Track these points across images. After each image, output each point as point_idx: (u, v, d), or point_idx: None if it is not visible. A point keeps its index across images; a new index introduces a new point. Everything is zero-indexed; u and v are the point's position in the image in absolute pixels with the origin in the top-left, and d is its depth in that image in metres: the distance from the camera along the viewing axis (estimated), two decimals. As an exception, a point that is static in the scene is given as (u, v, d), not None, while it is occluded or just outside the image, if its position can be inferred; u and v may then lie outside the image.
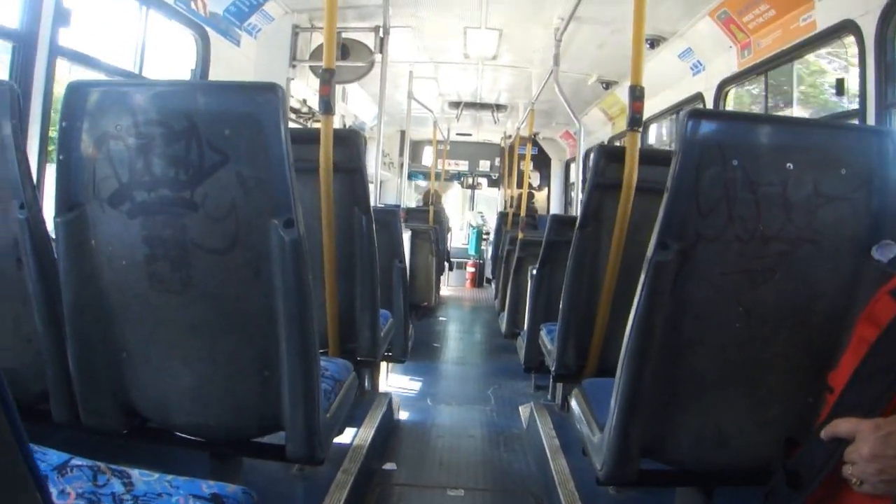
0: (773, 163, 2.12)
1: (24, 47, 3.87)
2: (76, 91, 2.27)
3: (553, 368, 4.18)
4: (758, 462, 2.30)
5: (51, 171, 3.72)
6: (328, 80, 3.47)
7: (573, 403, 3.03)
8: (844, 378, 1.74)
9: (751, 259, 2.15)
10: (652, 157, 3.58)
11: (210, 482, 1.89)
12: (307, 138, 3.57)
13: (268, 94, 2.14)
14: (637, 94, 3.53)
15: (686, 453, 2.40)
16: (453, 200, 18.46)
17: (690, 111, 2.14)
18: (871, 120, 4.21)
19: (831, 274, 2.21)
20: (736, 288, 2.18)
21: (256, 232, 2.19)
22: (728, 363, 2.27)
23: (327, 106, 3.46)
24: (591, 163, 3.83)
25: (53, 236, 2.42)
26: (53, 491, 1.77)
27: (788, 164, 2.11)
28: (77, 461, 1.90)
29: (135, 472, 1.89)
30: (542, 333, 4.85)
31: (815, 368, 2.26)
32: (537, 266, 5.20)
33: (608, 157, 3.73)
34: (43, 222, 2.53)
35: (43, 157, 3.95)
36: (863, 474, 1.54)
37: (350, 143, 3.84)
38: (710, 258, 2.15)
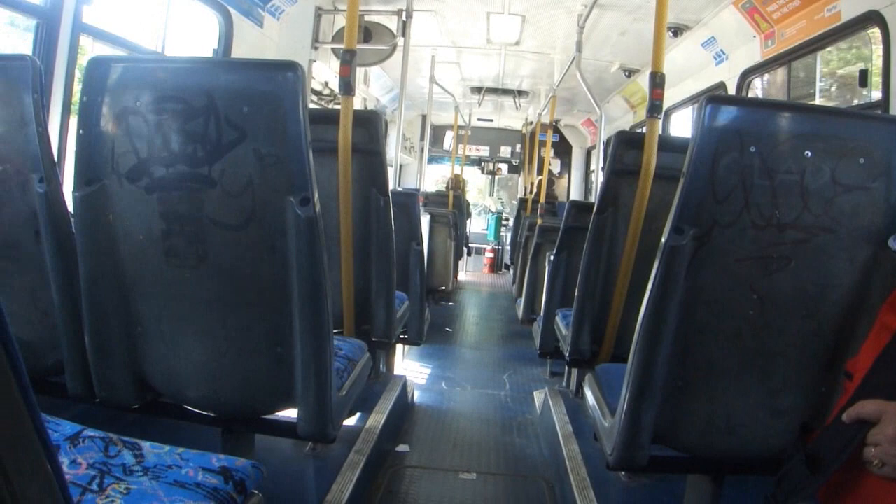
0: (791, 150, 2.10)
1: (47, 23, 3.89)
2: (97, 66, 2.28)
3: (567, 354, 4.19)
4: (768, 450, 2.30)
5: (73, 147, 3.77)
6: (349, 60, 3.47)
7: (586, 388, 3.04)
8: (865, 364, 1.73)
9: (766, 246, 2.14)
10: (670, 145, 3.57)
11: (220, 455, 1.90)
12: (327, 119, 3.58)
13: (287, 73, 2.14)
14: (657, 81, 3.51)
15: (696, 440, 2.39)
16: (473, 185, 18.43)
17: (709, 97, 2.13)
18: (894, 111, 4.18)
19: (847, 263, 2.19)
20: (750, 275, 2.17)
21: (272, 209, 2.19)
22: (741, 350, 2.26)
23: (348, 86, 3.46)
24: (609, 149, 3.82)
25: (72, 210, 2.44)
26: (65, 460, 1.79)
27: (807, 152, 2.09)
28: (89, 432, 1.93)
29: (146, 445, 1.91)
30: (558, 319, 4.85)
31: (828, 357, 2.25)
32: (555, 251, 5.20)
33: (627, 143, 3.72)
34: (62, 196, 2.55)
35: (65, 133, 3.97)
36: (886, 455, 1.53)
37: (370, 124, 3.84)
38: (724, 244, 2.14)
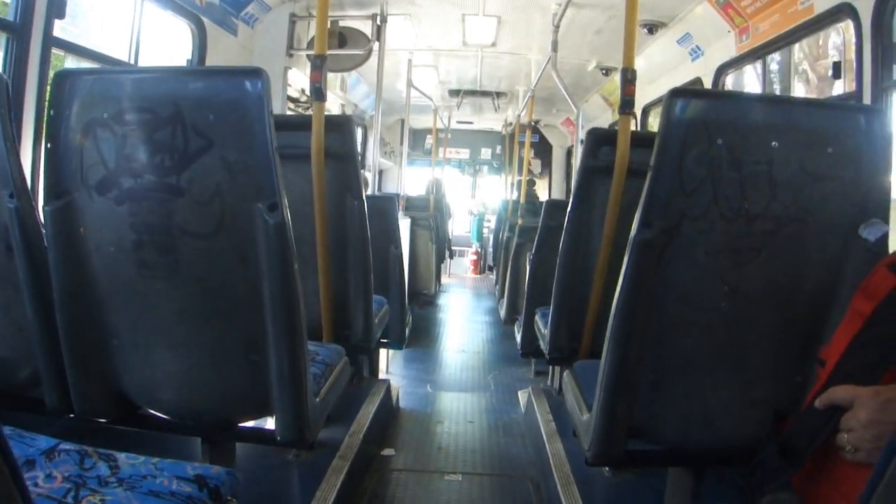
0: (758, 141, 2.11)
1: (18, 38, 3.88)
2: (64, 79, 2.28)
3: (547, 352, 4.20)
4: (745, 441, 2.30)
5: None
6: (320, 66, 3.47)
7: (564, 385, 3.05)
8: (838, 351, 1.75)
9: (736, 238, 2.15)
10: (644, 140, 3.57)
11: (195, 464, 1.90)
12: (300, 125, 3.58)
13: (252, 79, 2.14)
14: (629, 77, 3.52)
15: (673, 433, 2.40)
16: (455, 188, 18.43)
17: (674, 90, 2.14)
18: (867, 102, 4.21)
19: (818, 253, 2.20)
20: (721, 267, 2.18)
21: (241, 216, 2.19)
22: (714, 343, 2.28)
23: (318, 93, 3.46)
24: (583, 146, 3.84)
25: (43, 224, 2.43)
26: (40, 474, 1.79)
27: (774, 143, 2.10)
28: (65, 446, 1.93)
29: (121, 456, 1.91)
30: (537, 317, 4.86)
31: (801, 347, 2.27)
32: (533, 250, 5.22)
33: (600, 140, 3.74)
34: (33, 211, 2.54)
35: (38, 147, 3.96)
36: (859, 440, 1.55)
37: (343, 129, 3.84)
38: (694, 237, 2.15)
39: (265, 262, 2.21)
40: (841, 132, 2.18)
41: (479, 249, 17.12)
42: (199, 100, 2.18)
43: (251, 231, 2.19)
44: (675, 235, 2.15)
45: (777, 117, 2.19)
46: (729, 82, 6.78)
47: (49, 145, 2.29)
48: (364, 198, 3.91)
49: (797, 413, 1.82)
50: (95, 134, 2.23)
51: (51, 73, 4.02)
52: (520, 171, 11.98)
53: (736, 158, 2.11)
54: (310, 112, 3.44)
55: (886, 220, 2.18)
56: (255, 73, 2.15)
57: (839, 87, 5.17)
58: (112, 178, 2.24)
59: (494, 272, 11.76)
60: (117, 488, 1.77)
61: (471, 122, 17.08)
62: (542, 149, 17.18)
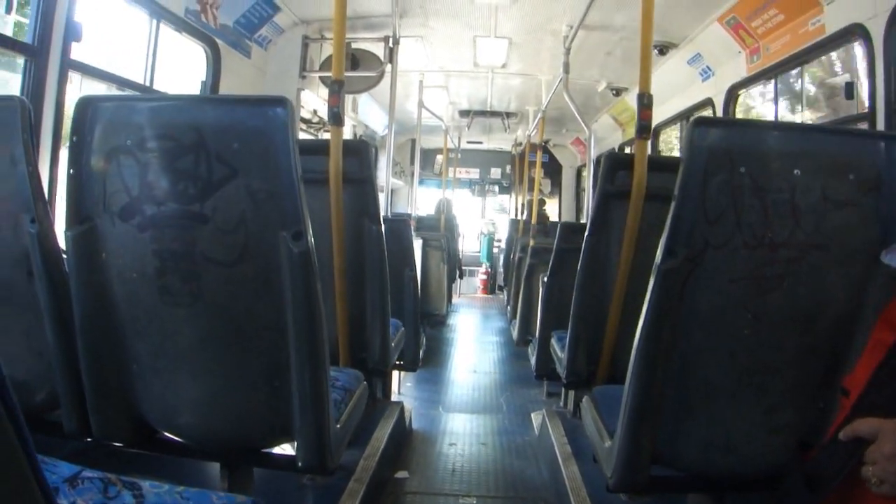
0: (780, 169, 2.12)
1: (36, 61, 3.90)
2: (86, 106, 2.29)
3: (564, 376, 4.19)
4: (768, 468, 2.30)
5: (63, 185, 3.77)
6: (337, 90, 3.49)
7: (584, 411, 3.04)
8: (861, 381, 1.75)
9: (759, 265, 2.14)
10: (660, 165, 3.58)
11: (220, 493, 1.90)
12: (317, 149, 3.59)
13: (276, 108, 2.15)
14: (645, 102, 3.52)
15: (696, 460, 2.39)
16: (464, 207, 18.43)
17: (697, 119, 2.15)
18: (880, 123, 4.20)
19: (840, 279, 2.20)
20: (744, 294, 2.17)
21: (265, 244, 2.20)
22: (737, 370, 2.27)
23: (336, 117, 3.47)
24: (600, 170, 3.84)
25: (65, 249, 2.44)
26: (64, 502, 1.78)
27: (796, 171, 2.10)
28: (88, 473, 1.91)
29: (145, 484, 1.90)
30: (553, 341, 4.85)
31: (824, 374, 2.26)
32: (548, 273, 5.21)
33: (616, 164, 3.74)
34: (54, 236, 2.55)
35: (54, 171, 3.97)
36: (884, 473, 1.54)
37: (360, 153, 3.86)
38: (718, 265, 2.15)
39: (289, 289, 2.21)
40: (861, 159, 2.17)
41: (489, 269, 17.09)
42: (222, 128, 2.19)
43: (275, 259, 2.20)
44: (699, 263, 2.15)
45: (798, 145, 2.19)
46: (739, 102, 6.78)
47: (72, 171, 2.30)
48: (381, 221, 3.92)
49: (820, 442, 1.82)
50: (118, 160, 2.24)
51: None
52: (530, 191, 11.98)
53: (759, 186, 2.10)
54: (322, 133, 3.44)
55: (909, 247, 2.17)
56: (280, 102, 2.15)
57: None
58: (135, 205, 2.25)
59: (505, 292, 11.75)
60: (142, 518, 1.76)
61: (480, 142, 17.09)
62: (552, 168, 17.15)
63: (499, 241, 17.21)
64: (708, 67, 7.18)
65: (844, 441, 1.66)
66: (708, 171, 2.10)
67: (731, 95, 6.74)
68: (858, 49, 4.73)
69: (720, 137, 2.13)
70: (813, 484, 1.74)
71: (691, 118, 2.25)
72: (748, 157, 2.10)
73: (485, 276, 17.07)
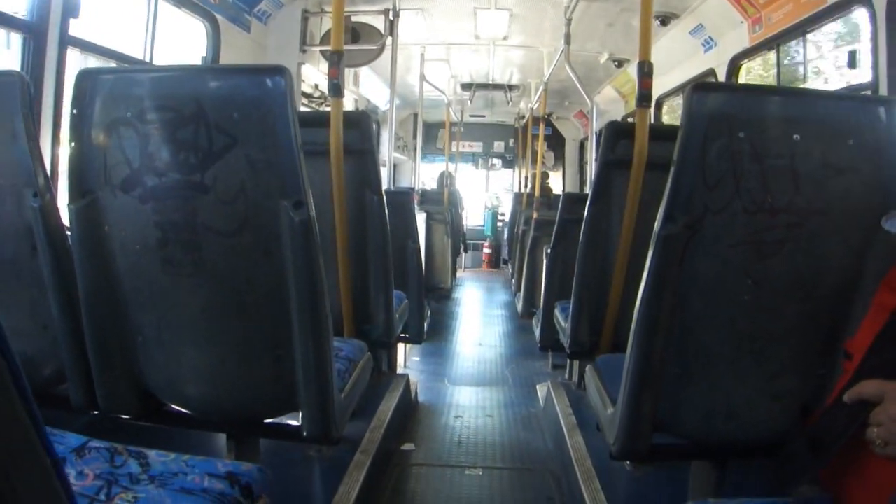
0: (779, 134, 2.11)
1: (34, 38, 3.89)
2: (86, 79, 2.29)
3: (567, 346, 4.21)
4: (770, 434, 2.30)
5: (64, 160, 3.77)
6: (336, 62, 3.48)
7: (587, 380, 3.05)
8: (864, 344, 1.75)
9: (759, 231, 2.14)
10: (661, 133, 3.58)
11: (226, 461, 1.91)
12: (318, 121, 3.59)
13: (275, 77, 2.15)
14: (646, 71, 3.52)
15: (698, 427, 2.40)
16: (468, 181, 18.42)
17: (696, 84, 2.14)
18: (883, 92, 4.18)
19: (841, 245, 2.19)
20: (744, 260, 2.17)
21: (266, 213, 2.20)
22: (737, 336, 2.27)
23: (336, 88, 3.47)
24: (601, 140, 3.84)
25: (67, 223, 2.45)
26: (72, 472, 1.80)
27: (795, 136, 2.09)
28: (94, 443, 1.94)
29: (151, 453, 1.92)
30: (557, 311, 4.87)
31: (825, 339, 2.26)
32: (551, 244, 5.22)
33: (618, 133, 3.75)
34: (56, 210, 2.56)
35: (55, 146, 3.97)
36: (889, 435, 1.54)
37: (360, 124, 3.86)
38: (717, 231, 2.14)
39: (290, 258, 2.22)
40: (861, 124, 2.17)
41: (493, 243, 17.11)
42: (222, 98, 2.19)
43: (276, 228, 2.20)
44: (699, 229, 2.14)
45: (798, 110, 2.18)
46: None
47: (73, 144, 2.30)
48: (383, 193, 3.92)
49: (823, 406, 1.82)
50: (119, 133, 2.24)
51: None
52: (533, 164, 11.96)
53: (758, 152, 2.10)
54: (323, 108, 3.45)
55: (909, 212, 2.17)
56: (278, 71, 2.15)
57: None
58: (136, 177, 2.25)
59: (509, 266, 11.76)
60: (149, 485, 1.78)
61: (483, 116, 17.08)
62: (555, 141, 17.14)
63: (502, 214, 17.22)
64: (710, 38, 7.15)
65: (848, 404, 1.66)
66: (707, 136, 2.09)
67: (734, 66, 6.71)
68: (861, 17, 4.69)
69: (719, 103, 2.12)
70: (816, 447, 1.74)
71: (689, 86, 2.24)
72: (747, 123, 2.09)
73: (489, 251, 17.08)
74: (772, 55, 6.24)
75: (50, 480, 1.00)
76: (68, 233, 2.49)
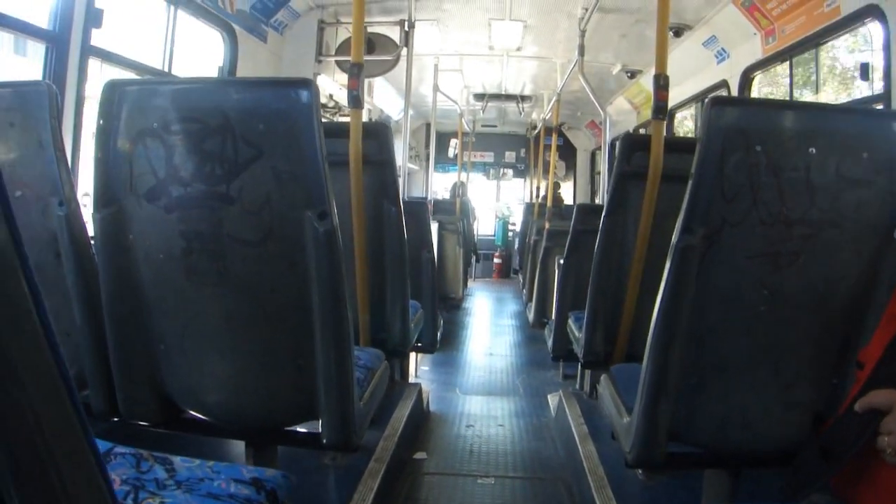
0: (795, 148, 2.13)
1: (57, 48, 3.94)
2: (113, 89, 2.32)
3: (581, 355, 4.22)
4: (784, 444, 2.32)
5: (83, 168, 3.82)
6: (356, 74, 3.52)
7: (602, 388, 3.07)
8: (876, 354, 1.77)
9: (775, 242, 2.16)
10: (677, 146, 3.61)
11: (250, 467, 1.94)
12: (337, 132, 3.62)
13: (300, 90, 2.18)
14: (661, 83, 3.55)
15: (713, 436, 2.42)
16: (479, 191, 18.43)
17: (714, 98, 2.17)
18: (896, 104, 4.20)
19: (854, 256, 2.22)
20: (760, 271, 2.19)
21: (291, 224, 2.23)
22: (753, 346, 2.29)
23: (356, 100, 3.51)
24: (616, 151, 3.86)
25: (92, 232, 2.48)
26: (100, 477, 1.83)
27: (811, 149, 2.12)
28: (120, 449, 1.97)
29: (176, 459, 1.95)
30: (570, 321, 4.88)
31: (839, 350, 2.28)
32: (564, 255, 5.24)
33: (633, 145, 3.78)
34: (81, 218, 2.60)
35: (76, 155, 4.02)
36: None
37: (379, 135, 3.90)
38: (734, 242, 2.17)
39: (314, 268, 2.25)
40: (876, 138, 2.19)
41: (504, 253, 17.11)
42: (248, 110, 2.22)
43: (300, 238, 2.23)
44: (716, 241, 2.17)
45: (813, 124, 2.21)
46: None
47: (99, 154, 2.34)
48: (401, 203, 3.95)
49: (836, 415, 1.84)
50: (145, 143, 2.27)
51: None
52: (545, 175, 11.97)
53: (774, 165, 2.12)
54: (337, 118, 3.48)
55: (921, 225, 2.19)
56: (304, 84, 2.18)
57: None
58: (162, 187, 2.28)
59: (521, 276, 11.76)
60: (175, 491, 1.81)
61: (494, 126, 17.08)
62: (567, 152, 17.11)
63: (513, 224, 17.21)
64: (723, 49, 7.16)
65: (860, 413, 1.68)
66: (725, 149, 2.11)
67: (746, 78, 6.72)
68: (874, 30, 4.71)
69: (736, 117, 2.14)
70: (828, 456, 1.76)
71: (706, 100, 2.26)
72: (764, 136, 2.12)
73: (499, 260, 17.08)
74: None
75: (96, 478, 1.03)
76: (92, 241, 2.52)
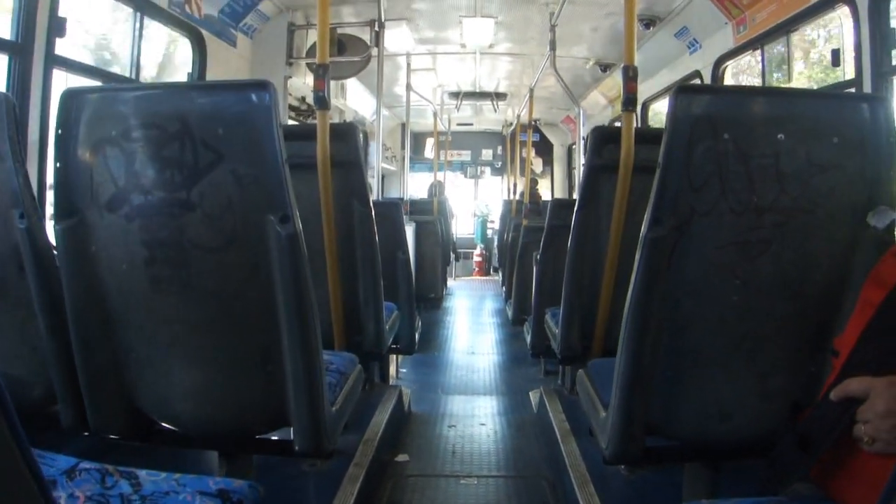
0: (764, 134, 2.12)
1: (20, 58, 3.89)
2: (71, 98, 2.28)
3: (559, 351, 4.21)
4: (762, 434, 2.31)
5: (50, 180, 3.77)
6: (322, 74, 3.49)
7: (579, 385, 3.05)
8: (851, 341, 1.75)
9: (745, 231, 2.15)
10: (648, 137, 3.59)
11: (217, 478, 1.91)
12: (305, 134, 3.59)
13: (259, 92, 2.15)
14: (630, 75, 3.54)
15: (690, 429, 2.40)
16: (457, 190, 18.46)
17: (680, 87, 2.15)
18: (867, 89, 4.21)
19: (827, 242, 2.20)
20: (731, 261, 2.18)
21: (253, 229, 2.20)
22: (727, 336, 2.28)
23: (322, 101, 3.48)
24: (587, 144, 3.85)
25: (54, 243, 2.44)
26: (62, 494, 1.80)
27: (780, 135, 2.10)
28: (85, 464, 1.93)
29: (142, 473, 1.91)
30: (548, 317, 4.87)
31: (814, 338, 2.26)
32: (540, 251, 5.22)
33: (604, 138, 3.77)
34: (43, 230, 2.55)
35: (43, 167, 3.97)
36: (876, 431, 1.54)
37: (347, 136, 3.86)
38: (704, 232, 2.15)
39: (278, 273, 2.22)
40: (845, 122, 2.18)
41: (484, 251, 17.13)
42: (206, 114, 2.18)
43: (263, 243, 2.20)
44: (686, 231, 2.15)
45: (782, 110, 2.19)
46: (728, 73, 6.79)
47: (58, 164, 2.30)
48: (371, 204, 3.92)
49: (813, 404, 1.82)
50: (104, 152, 2.23)
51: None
52: (522, 171, 11.99)
53: (743, 152, 2.11)
54: (311, 120, 3.45)
55: (894, 208, 2.18)
56: (263, 86, 2.15)
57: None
58: (122, 196, 2.24)
59: (500, 273, 11.78)
60: (140, 505, 1.78)
61: (470, 124, 17.13)
62: (544, 147, 17.17)
63: (492, 222, 17.24)
64: (695, 40, 7.19)
65: (835, 402, 1.66)
66: (692, 138, 2.10)
67: (719, 67, 6.75)
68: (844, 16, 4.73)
69: (703, 105, 2.13)
70: (806, 445, 1.74)
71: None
72: (732, 124, 2.10)
73: (479, 258, 17.11)
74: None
75: (36, 502, 1.00)
76: (55, 253, 2.48)
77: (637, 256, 2.21)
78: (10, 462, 0.95)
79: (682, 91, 2.13)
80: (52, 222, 2.36)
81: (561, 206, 5.10)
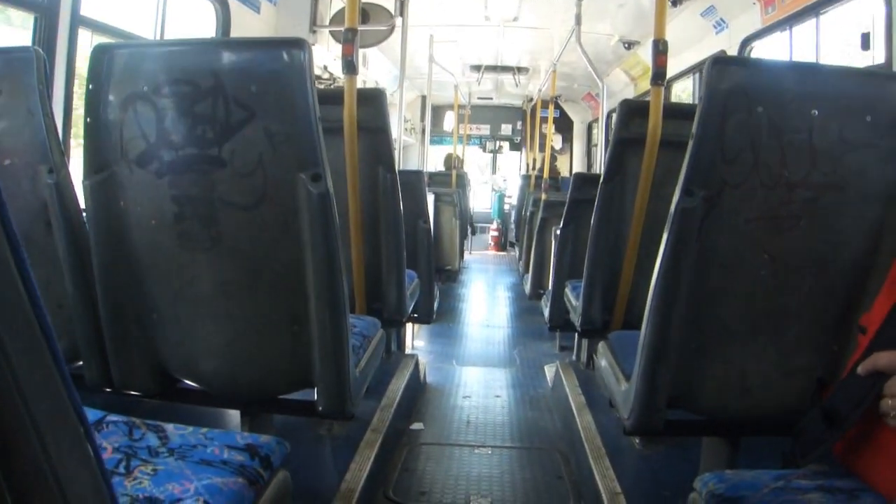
0: (798, 109, 2.10)
1: (46, 17, 3.89)
2: (102, 53, 2.28)
3: (579, 324, 4.21)
4: (783, 410, 2.31)
5: (75, 141, 3.78)
6: (351, 39, 3.48)
7: (600, 355, 3.05)
8: (879, 318, 1.74)
9: (776, 206, 2.14)
10: (675, 112, 3.58)
11: (244, 433, 1.92)
12: (332, 98, 3.58)
13: (294, 50, 2.14)
14: (661, 49, 3.53)
15: (712, 402, 2.40)
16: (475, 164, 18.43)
17: (715, 58, 2.13)
18: (897, 71, 4.17)
19: (857, 220, 2.19)
20: (761, 235, 2.17)
21: (284, 187, 2.20)
22: (754, 311, 2.27)
23: (351, 66, 3.47)
24: (615, 117, 3.83)
25: (82, 199, 2.44)
26: (90, 446, 1.81)
27: (814, 111, 2.09)
28: (112, 417, 1.95)
29: (169, 426, 1.93)
30: (567, 290, 4.87)
31: (840, 315, 2.26)
32: (561, 225, 5.21)
33: (632, 111, 3.75)
34: (72, 187, 2.55)
35: (67, 125, 3.98)
36: None
37: (374, 101, 3.86)
38: (735, 205, 2.14)
39: (308, 232, 2.22)
40: (879, 100, 2.16)
41: (500, 226, 17.10)
42: (240, 71, 2.18)
43: (294, 202, 2.20)
44: (716, 204, 2.14)
45: (816, 86, 2.17)
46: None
47: (89, 119, 2.30)
48: (396, 170, 3.92)
49: (838, 380, 1.82)
50: (135, 107, 2.23)
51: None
52: (541, 147, 11.95)
53: (776, 126, 2.09)
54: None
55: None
56: (298, 44, 2.14)
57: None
58: (153, 151, 2.24)
59: (517, 248, 11.77)
60: (168, 458, 1.79)
61: (490, 98, 17.05)
62: (563, 124, 17.08)
63: (510, 197, 17.20)
64: (722, 20, 7.11)
65: (862, 376, 1.66)
66: (726, 110, 2.08)
67: (745, 48, 6.67)
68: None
69: (738, 77, 2.11)
70: (831, 420, 1.74)
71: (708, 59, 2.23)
72: (766, 97, 2.09)
73: (496, 233, 17.08)
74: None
75: (81, 445, 1.00)
76: (83, 208, 2.48)
77: (667, 227, 2.20)
78: (59, 404, 0.96)
79: (718, 62, 2.11)
80: (81, 178, 2.37)
81: (584, 180, 5.08)
